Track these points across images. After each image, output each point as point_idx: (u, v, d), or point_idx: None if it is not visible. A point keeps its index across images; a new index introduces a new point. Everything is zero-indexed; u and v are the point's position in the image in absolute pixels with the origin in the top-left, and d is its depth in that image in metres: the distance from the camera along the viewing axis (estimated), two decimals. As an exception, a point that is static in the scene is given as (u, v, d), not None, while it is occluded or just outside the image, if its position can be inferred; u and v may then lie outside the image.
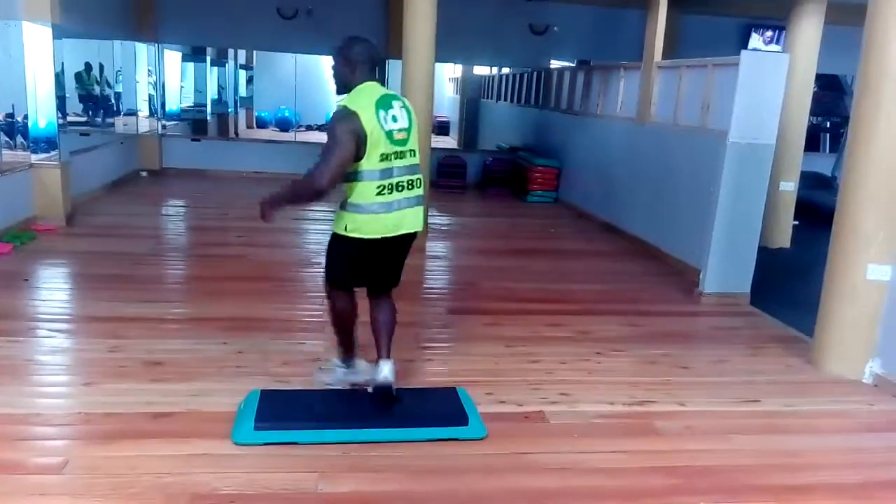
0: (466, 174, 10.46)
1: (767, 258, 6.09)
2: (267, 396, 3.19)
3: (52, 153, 6.59)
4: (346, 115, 2.89)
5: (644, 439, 3.18)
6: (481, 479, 2.77)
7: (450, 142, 17.61)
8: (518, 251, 6.87)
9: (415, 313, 4.88)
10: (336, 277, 3.26)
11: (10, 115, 6.46)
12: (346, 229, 3.03)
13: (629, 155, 7.43)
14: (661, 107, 6.85)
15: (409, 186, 3.06)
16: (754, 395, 3.71)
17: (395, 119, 2.99)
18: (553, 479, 2.80)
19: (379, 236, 3.02)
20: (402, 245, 3.18)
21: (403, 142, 3.02)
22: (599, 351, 4.19)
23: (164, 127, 10.91)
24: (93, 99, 9.24)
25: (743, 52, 5.33)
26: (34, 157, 6.53)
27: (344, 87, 3.06)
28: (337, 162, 2.85)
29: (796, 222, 7.73)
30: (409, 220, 3.10)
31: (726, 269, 5.29)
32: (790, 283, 6.01)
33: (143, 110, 10.46)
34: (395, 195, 3.02)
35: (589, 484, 2.78)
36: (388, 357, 3.23)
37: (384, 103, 2.98)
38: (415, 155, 3.09)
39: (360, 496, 2.62)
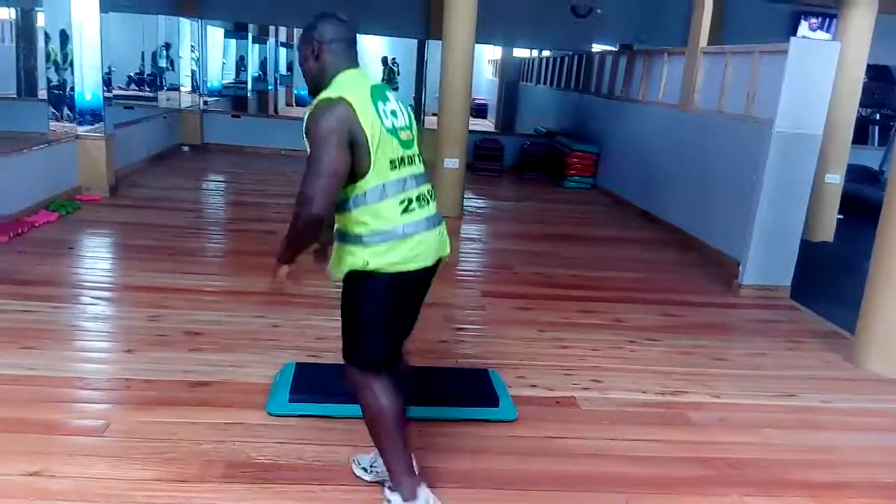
0: (503, 157, 10.40)
1: (809, 252, 5.96)
2: (302, 369, 3.24)
3: (98, 125, 6.71)
4: (330, 105, 2.08)
5: (676, 429, 3.16)
6: (510, 461, 2.78)
7: (487, 125, 17.55)
8: (553, 236, 6.83)
9: (448, 295, 4.90)
10: (367, 350, 2.28)
11: (58, 87, 6.59)
12: (367, 265, 2.16)
13: (670, 142, 7.31)
14: (704, 94, 6.72)
15: (429, 199, 2.29)
16: (791, 389, 3.65)
17: (394, 114, 2.21)
18: (582, 465, 2.80)
19: (419, 267, 2.23)
20: (429, 279, 2.37)
21: (410, 143, 2.24)
22: (633, 339, 4.16)
23: (205, 103, 11.05)
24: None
25: (792, 39, 5.19)
26: (80, 129, 6.66)
27: (316, 85, 2.25)
28: (328, 171, 2.04)
29: (841, 216, 7.55)
30: (444, 238, 2.35)
31: (767, 261, 5.19)
32: (832, 277, 5.89)
33: (186, 86, 10.60)
34: (421, 211, 2.22)
35: (619, 471, 2.78)
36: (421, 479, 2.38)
37: (379, 94, 2.20)
38: (422, 161, 2.31)
39: (390, 472, 2.64)
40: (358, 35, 2.36)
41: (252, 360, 3.47)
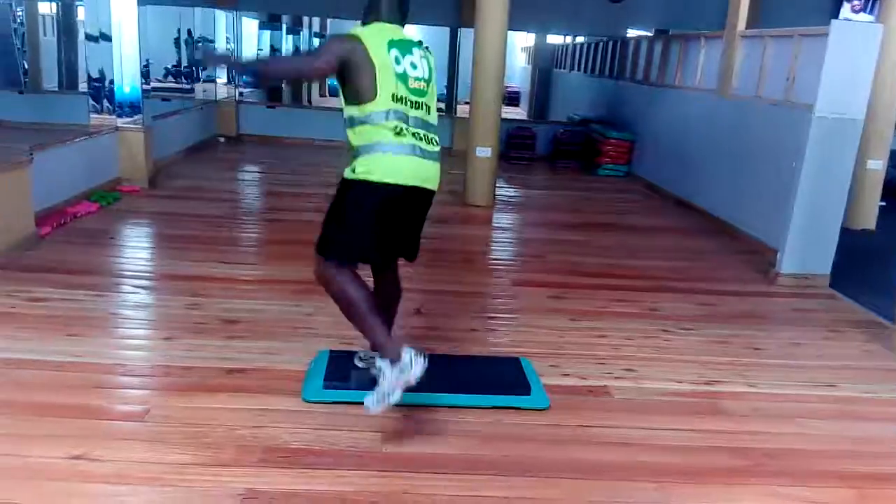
0: (536, 146, 10.34)
1: (850, 239, 5.83)
2: (336, 357, 3.28)
3: (136, 117, 6.84)
4: (345, 37, 2.62)
5: (711, 419, 3.13)
6: (542, 449, 2.78)
7: (520, 112, 17.45)
8: (587, 225, 6.79)
9: (480, 283, 4.91)
10: (338, 247, 2.68)
11: (98, 80, 6.73)
12: (355, 171, 2.61)
13: (707, 128, 7.19)
14: (743, 78, 6.59)
15: (427, 140, 2.69)
16: (829, 379, 3.58)
17: (413, 66, 2.67)
18: (616, 454, 2.79)
19: (401, 183, 2.60)
20: (419, 206, 2.77)
21: (422, 92, 2.68)
22: (668, 328, 4.12)
23: (240, 94, 11.18)
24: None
25: (833, 21, 5.05)
26: (119, 121, 6.79)
27: (362, 23, 2.77)
28: (304, 61, 2.78)
29: (883, 203, 7.36)
30: (431, 173, 2.71)
31: (805, 249, 5.08)
32: (873, 266, 5.75)
33: (222, 77, 10.73)
34: (414, 140, 2.63)
35: (652, 460, 2.76)
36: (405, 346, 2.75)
37: (402, 46, 2.66)
38: (432, 114, 2.73)
39: (422, 457, 2.67)
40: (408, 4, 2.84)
41: (287, 347, 3.52)
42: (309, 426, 2.80)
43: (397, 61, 2.61)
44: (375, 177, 2.59)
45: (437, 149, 2.75)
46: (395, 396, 2.56)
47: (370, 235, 2.67)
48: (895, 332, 3.99)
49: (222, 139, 10.44)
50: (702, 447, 2.89)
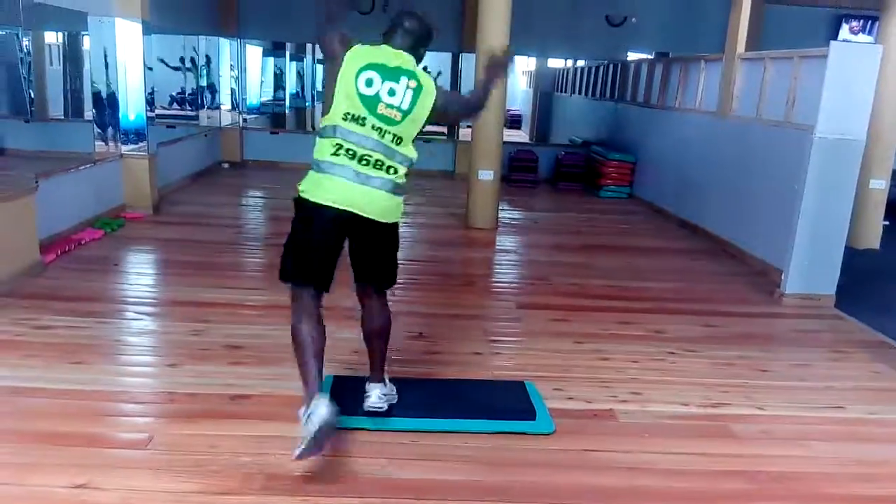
0: (538, 168, 10.38)
1: (854, 259, 5.81)
2: (339, 382, 3.27)
3: (141, 144, 6.90)
4: (344, 38, 2.75)
5: (718, 442, 3.10)
6: (548, 474, 2.76)
7: (522, 135, 17.54)
8: (590, 247, 6.79)
9: (483, 307, 4.91)
10: (281, 267, 2.81)
11: (102, 108, 6.79)
12: (299, 187, 2.68)
13: (708, 150, 7.21)
14: (743, 100, 6.62)
15: (377, 166, 2.62)
16: (837, 401, 3.56)
17: (391, 93, 2.62)
18: (622, 478, 2.76)
19: (317, 201, 2.59)
20: (366, 234, 2.70)
21: (390, 121, 2.62)
22: (673, 351, 4.10)
23: (245, 120, 11.26)
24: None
25: (832, 42, 5.09)
26: (124, 148, 6.85)
27: None
28: (323, 35, 2.75)
29: (886, 222, 7.35)
30: (363, 200, 2.61)
31: (810, 269, 5.07)
32: (878, 285, 5.73)
33: (226, 104, 10.83)
34: (352, 163, 2.59)
35: (659, 485, 2.74)
36: (380, 379, 3.01)
37: (386, 72, 2.64)
38: (400, 143, 2.64)
39: (427, 483, 2.65)
40: (411, 29, 2.85)
41: (291, 373, 3.44)
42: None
43: (368, 83, 2.62)
44: (306, 194, 2.64)
45: (387, 177, 2.64)
46: (301, 445, 2.46)
47: (303, 254, 2.71)
48: (902, 353, 3.97)
49: (226, 165, 10.51)
50: (709, 471, 2.86)
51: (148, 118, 6.94)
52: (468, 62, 9.56)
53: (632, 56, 10.82)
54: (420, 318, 4.45)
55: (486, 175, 7.08)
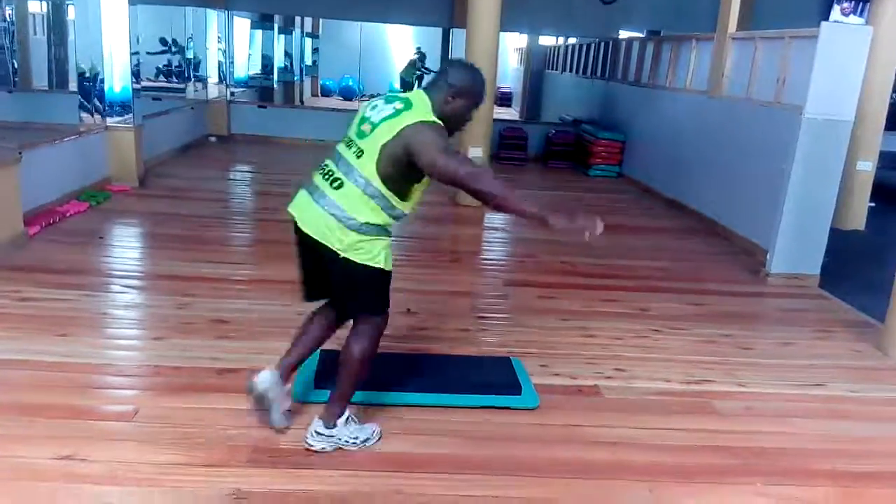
0: (528, 146, 10.35)
1: (840, 240, 5.86)
2: (326, 356, 3.26)
3: (127, 117, 6.81)
4: None
5: (701, 418, 3.14)
6: (532, 449, 2.79)
7: (512, 113, 17.47)
8: (578, 225, 6.78)
9: (471, 283, 4.92)
10: None
11: (88, 80, 6.69)
12: None
13: (698, 129, 7.22)
14: (733, 80, 6.62)
15: (328, 179, 2.50)
16: (819, 378, 3.60)
17: (373, 108, 2.51)
18: (605, 453, 2.79)
19: (290, 212, 2.59)
20: (317, 252, 2.52)
21: (362, 134, 2.47)
22: (658, 328, 4.14)
23: (232, 94, 11.15)
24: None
25: (823, 23, 5.08)
26: (109, 121, 6.76)
27: None
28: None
29: (872, 204, 7.40)
30: (306, 214, 2.51)
31: (796, 249, 5.11)
32: (862, 266, 5.79)
33: (213, 77, 10.71)
34: (317, 178, 2.55)
35: (642, 459, 2.77)
36: (326, 416, 2.65)
37: (388, 97, 2.57)
38: (360, 157, 2.43)
39: (413, 457, 2.67)
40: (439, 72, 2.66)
41: (278, 347, 3.44)
42: (299, 426, 2.78)
43: (373, 108, 2.52)
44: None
45: (331, 193, 2.46)
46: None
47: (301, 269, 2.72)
48: (884, 332, 4.02)
49: (213, 139, 10.41)
50: (692, 446, 2.90)
51: (134, 90, 6.85)
52: (459, 38, 9.47)
53: (623, 34, 10.77)
54: (408, 294, 4.44)
55: (476, 152, 7.05)
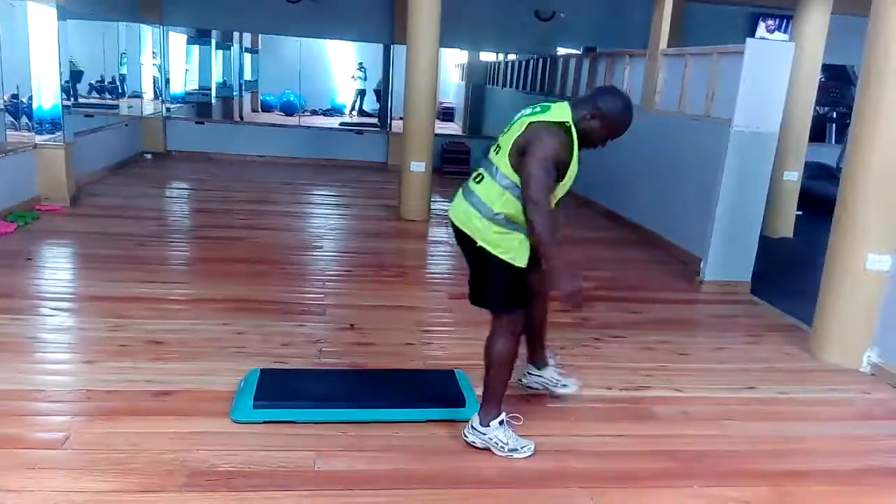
0: (470, 160, 10.44)
1: (769, 247, 6.08)
2: (266, 375, 3.22)
3: (57, 134, 6.60)
4: None
5: (640, 423, 3.21)
6: (477, 461, 2.79)
7: (455, 128, 17.58)
8: (520, 238, 6.86)
9: (416, 297, 4.92)
10: None
11: (15, 96, 6.47)
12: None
13: (633, 143, 7.28)
14: (666, 95, 6.82)
15: (475, 178, 2.79)
16: (751, 382, 3.72)
17: (520, 113, 2.81)
18: (549, 462, 2.82)
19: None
20: (462, 239, 2.83)
21: (503, 133, 2.78)
22: (598, 337, 4.21)
23: (168, 109, 10.92)
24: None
25: (748, 40, 5.29)
26: (38, 138, 6.54)
27: None
28: None
29: (799, 212, 7.71)
30: (455, 207, 2.83)
31: (727, 257, 5.28)
32: (791, 272, 6.02)
33: (148, 93, 10.47)
34: (469, 180, 2.83)
35: (584, 466, 2.81)
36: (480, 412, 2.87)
37: (521, 112, 2.83)
38: (497, 153, 2.72)
39: (357, 475, 2.65)
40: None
41: (216, 368, 3.43)
42: (239, 447, 2.74)
43: (520, 114, 2.79)
44: None
45: (476, 186, 2.75)
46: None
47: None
48: (812, 335, 4.18)
49: (149, 155, 10.17)
50: (633, 451, 2.96)
51: (64, 107, 6.64)
52: (400, 54, 9.52)
53: (561, 51, 10.99)
54: (351, 310, 4.43)
55: (418, 166, 7.08)
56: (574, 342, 4.09)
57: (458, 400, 3.15)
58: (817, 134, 9.34)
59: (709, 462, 2.91)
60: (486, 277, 2.83)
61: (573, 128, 2.66)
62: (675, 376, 3.72)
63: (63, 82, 6.62)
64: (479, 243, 2.71)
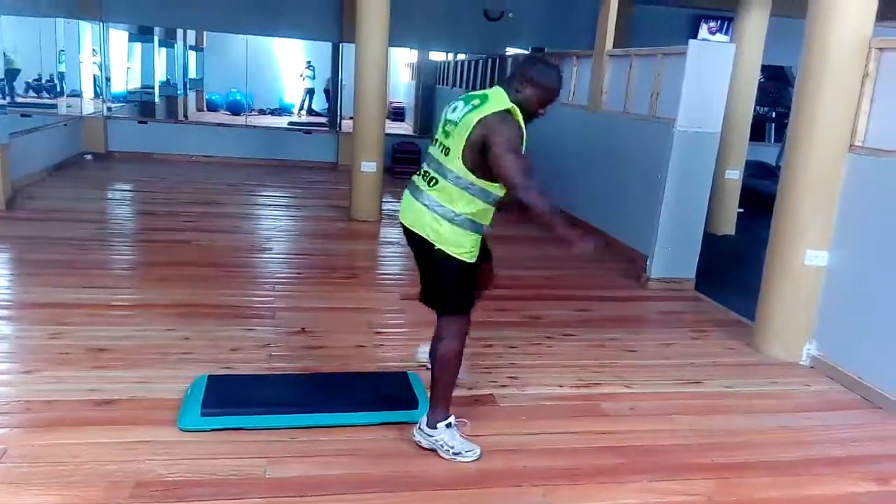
0: (421, 160, 10.43)
1: (712, 244, 6.24)
2: (214, 382, 3.15)
3: (-10, 134, 6.35)
4: None
5: (591, 420, 3.25)
6: (430, 463, 2.79)
7: (406, 128, 17.54)
8: (471, 237, 6.88)
9: (367, 299, 4.89)
10: None
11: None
12: None
13: (581, 143, 7.50)
14: (612, 95, 6.93)
15: (425, 179, 2.74)
16: (696, 377, 3.81)
17: (454, 109, 2.74)
18: (501, 461, 2.84)
19: (400, 218, 2.87)
20: (422, 250, 2.81)
21: (446, 133, 2.71)
22: (549, 335, 4.25)
23: (109, 109, 10.61)
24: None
25: (690, 41, 5.41)
26: (-30, 139, 6.29)
27: None
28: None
29: (741, 210, 7.93)
30: (409, 213, 2.78)
31: (672, 254, 5.40)
32: (734, 268, 6.18)
33: (88, 91, 10.15)
34: (417, 180, 2.80)
35: (537, 464, 2.83)
36: (431, 413, 2.84)
37: (466, 98, 2.76)
38: (447, 154, 2.67)
39: (308, 481, 2.62)
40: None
41: (162, 375, 3.35)
42: (186, 456, 2.68)
43: (453, 109, 2.74)
44: None
45: (430, 191, 2.70)
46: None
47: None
48: (755, 330, 4.30)
49: (89, 156, 9.85)
50: (584, 448, 3.00)
51: (-2, 106, 6.40)
52: (349, 53, 9.44)
53: (510, 51, 11.06)
54: (302, 313, 4.38)
55: (369, 167, 7.04)
56: (526, 340, 4.13)
57: (410, 402, 3.14)
58: (757, 133, 9.61)
59: (657, 456, 2.97)
60: (443, 282, 2.83)
61: (517, 108, 2.68)
62: (624, 372, 3.79)
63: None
64: (438, 246, 2.72)
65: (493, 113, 2.63)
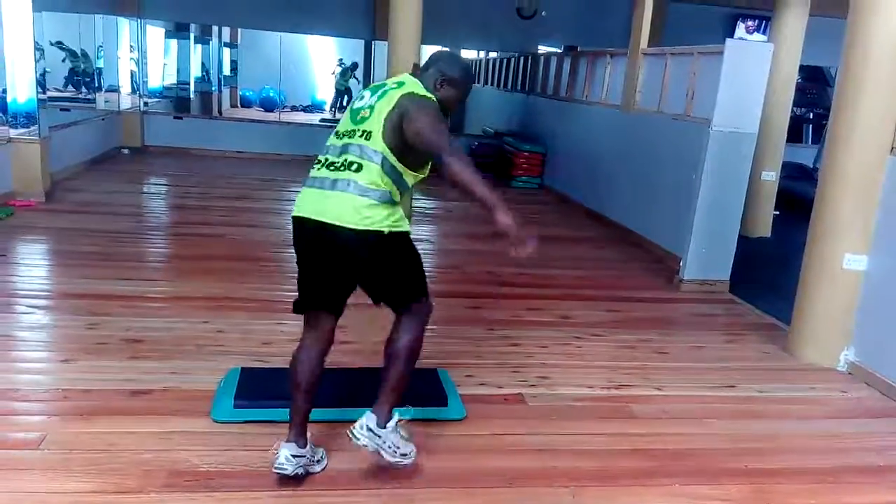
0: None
1: (747, 247, 6.14)
2: (247, 374, 3.19)
3: (32, 128, 6.49)
4: None
5: (620, 422, 3.22)
6: (458, 460, 2.79)
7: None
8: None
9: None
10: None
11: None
12: None
13: (614, 142, 7.44)
14: (646, 94, 6.86)
15: (342, 166, 2.45)
16: (730, 380, 3.76)
17: (362, 98, 2.58)
18: (530, 461, 2.83)
19: (296, 214, 2.52)
20: (335, 247, 2.47)
21: (362, 119, 2.49)
22: (579, 335, 4.23)
23: (146, 104, 10.79)
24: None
25: (728, 40, 5.34)
26: (13, 132, 6.43)
27: None
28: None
29: (777, 212, 7.80)
30: (323, 205, 2.44)
31: (706, 256, 5.33)
32: (769, 271, 6.08)
33: (125, 87, 10.33)
34: (323, 171, 2.50)
35: (565, 465, 2.81)
36: (379, 413, 2.59)
37: (375, 87, 2.60)
38: (368, 138, 2.45)
39: (338, 474, 2.63)
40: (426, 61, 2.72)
41: (195, 366, 3.40)
42: (219, 447, 2.71)
43: (360, 98, 2.59)
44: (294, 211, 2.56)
45: (350, 174, 2.43)
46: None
47: (299, 276, 2.61)
48: (790, 334, 4.23)
49: (126, 151, 10.04)
50: (613, 450, 2.97)
51: (39, 100, 6.53)
52: (381, 50, 9.48)
53: (542, 49, 11.01)
54: (331, 308, 4.40)
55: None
56: (556, 340, 4.10)
57: (440, 399, 3.14)
58: (794, 134, 9.45)
59: (688, 460, 2.93)
60: (400, 266, 2.66)
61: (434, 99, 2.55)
62: (655, 375, 3.75)
63: (38, 76, 6.51)
64: (387, 230, 2.48)
65: (417, 94, 2.50)
